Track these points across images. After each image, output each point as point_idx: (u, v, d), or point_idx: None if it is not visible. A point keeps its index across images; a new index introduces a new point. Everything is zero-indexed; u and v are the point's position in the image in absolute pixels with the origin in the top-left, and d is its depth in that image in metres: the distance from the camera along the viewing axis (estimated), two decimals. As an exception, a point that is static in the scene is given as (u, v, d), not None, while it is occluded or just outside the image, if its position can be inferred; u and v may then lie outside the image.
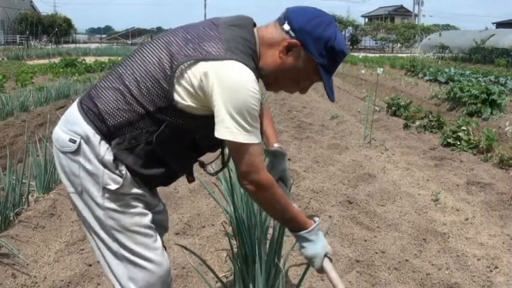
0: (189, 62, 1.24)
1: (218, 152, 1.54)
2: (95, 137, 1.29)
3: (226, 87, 1.21)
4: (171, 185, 3.66)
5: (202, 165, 1.51)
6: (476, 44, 24.38)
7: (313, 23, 1.31)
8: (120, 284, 1.37)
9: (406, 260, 2.48)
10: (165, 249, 1.51)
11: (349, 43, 55.13)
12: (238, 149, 1.26)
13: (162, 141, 1.31)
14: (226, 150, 1.43)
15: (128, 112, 1.29)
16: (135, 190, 1.35)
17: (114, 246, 1.35)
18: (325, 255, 1.44)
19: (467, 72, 13.48)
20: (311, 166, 4.25)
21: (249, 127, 1.24)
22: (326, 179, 3.85)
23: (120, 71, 1.33)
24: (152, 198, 1.46)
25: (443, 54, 27.05)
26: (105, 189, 1.31)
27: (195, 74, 1.24)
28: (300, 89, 1.44)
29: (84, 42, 48.63)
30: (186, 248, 2.18)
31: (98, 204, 1.32)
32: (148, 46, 1.34)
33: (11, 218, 2.73)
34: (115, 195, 1.32)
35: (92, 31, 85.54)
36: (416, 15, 56.31)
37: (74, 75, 12.03)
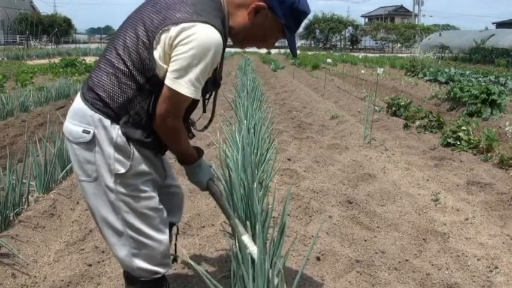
0: (162, 29, 1.36)
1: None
2: (105, 122, 1.43)
3: (192, 45, 1.33)
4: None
5: (193, 123, 1.71)
6: (476, 44, 24.39)
7: None
8: (123, 261, 1.55)
9: (406, 260, 2.48)
10: (177, 236, 1.83)
11: (349, 43, 55.18)
12: (175, 98, 1.39)
13: None
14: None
15: (124, 91, 1.42)
16: (143, 168, 1.49)
17: (121, 227, 1.50)
18: (210, 180, 1.72)
19: (467, 72, 13.48)
20: (311, 166, 4.24)
21: (197, 83, 1.39)
22: (326, 179, 3.85)
23: (108, 57, 1.46)
24: (158, 172, 1.60)
25: (443, 54, 27.07)
26: (116, 175, 1.45)
27: (167, 38, 1.36)
28: (266, 45, 1.61)
29: (84, 42, 48.56)
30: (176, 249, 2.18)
31: (110, 189, 1.46)
32: (124, 28, 1.47)
33: (11, 218, 2.72)
34: (125, 179, 1.46)
35: (92, 31, 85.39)
36: (416, 15, 56.38)
37: (74, 75, 12.01)
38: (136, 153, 1.47)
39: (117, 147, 1.44)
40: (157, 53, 1.38)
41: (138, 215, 1.50)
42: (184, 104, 1.44)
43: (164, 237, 1.58)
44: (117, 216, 1.49)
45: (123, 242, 1.52)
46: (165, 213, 1.61)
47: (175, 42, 1.35)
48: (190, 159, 1.65)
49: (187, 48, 1.34)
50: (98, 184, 1.47)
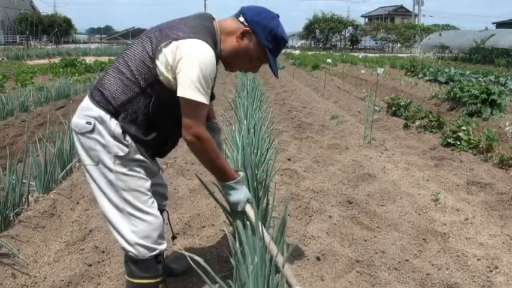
0: (165, 43, 1.65)
1: None
2: (106, 117, 1.67)
3: (190, 57, 1.60)
4: (171, 185, 3.66)
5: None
6: (476, 44, 24.39)
7: (261, 16, 1.77)
8: (124, 238, 1.72)
9: (406, 260, 2.48)
10: (165, 212, 2.05)
11: (349, 43, 55.16)
12: (189, 105, 1.63)
13: (155, 111, 1.70)
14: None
15: (126, 92, 1.68)
16: (138, 156, 1.73)
17: (121, 204, 1.71)
18: (247, 201, 1.90)
19: (467, 72, 13.48)
20: (311, 166, 4.25)
21: (203, 90, 1.62)
22: (326, 179, 3.86)
23: (116, 64, 1.74)
24: (152, 165, 1.83)
25: (443, 54, 27.06)
26: (115, 157, 1.68)
27: (169, 50, 1.64)
28: (252, 67, 1.88)
29: (84, 42, 48.55)
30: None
31: (110, 169, 1.69)
32: (133, 44, 1.76)
33: (11, 218, 2.72)
34: (123, 161, 1.69)
35: (92, 31, 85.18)
36: (416, 15, 56.33)
37: (74, 75, 12.02)
38: (132, 143, 1.70)
39: (114, 137, 1.68)
40: (159, 62, 1.65)
41: (134, 193, 1.71)
42: (199, 109, 1.66)
43: (158, 213, 1.78)
44: (117, 194, 1.70)
45: (123, 219, 1.71)
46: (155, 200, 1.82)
47: (177, 57, 1.61)
48: (226, 174, 1.84)
49: (186, 61, 1.60)
50: (100, 167, 1.70)
